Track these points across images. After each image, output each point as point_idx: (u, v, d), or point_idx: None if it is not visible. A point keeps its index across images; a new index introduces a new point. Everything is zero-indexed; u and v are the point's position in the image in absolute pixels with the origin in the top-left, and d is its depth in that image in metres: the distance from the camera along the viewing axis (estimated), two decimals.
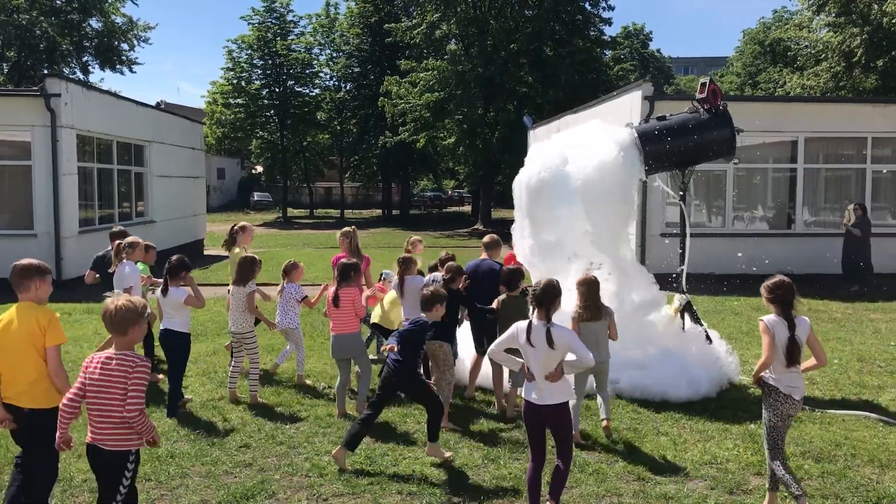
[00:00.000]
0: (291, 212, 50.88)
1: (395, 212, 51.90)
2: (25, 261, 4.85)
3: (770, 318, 5.12)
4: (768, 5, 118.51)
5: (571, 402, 5.65)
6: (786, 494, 5.58)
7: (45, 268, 4.85)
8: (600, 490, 5.67)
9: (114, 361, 4.23)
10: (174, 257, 7.73)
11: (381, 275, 9.59)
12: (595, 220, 8.53)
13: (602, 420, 6.76)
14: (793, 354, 5.01)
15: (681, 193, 9.43)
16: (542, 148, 9.39)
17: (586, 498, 5.56)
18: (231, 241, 9.41)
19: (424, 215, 53.64)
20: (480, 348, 7.80)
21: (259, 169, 64.18)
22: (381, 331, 8.89)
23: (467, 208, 56.12)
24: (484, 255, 8.33)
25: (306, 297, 8.60)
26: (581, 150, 8.80)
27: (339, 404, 7.45)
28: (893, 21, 25.84)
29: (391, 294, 8.61)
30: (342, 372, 7.58)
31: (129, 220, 19.88)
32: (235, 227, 9.45)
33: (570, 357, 5.08)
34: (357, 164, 51.11)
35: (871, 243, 15.21)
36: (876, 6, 27.54)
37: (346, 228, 9.38)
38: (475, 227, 37.84)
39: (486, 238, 8.49)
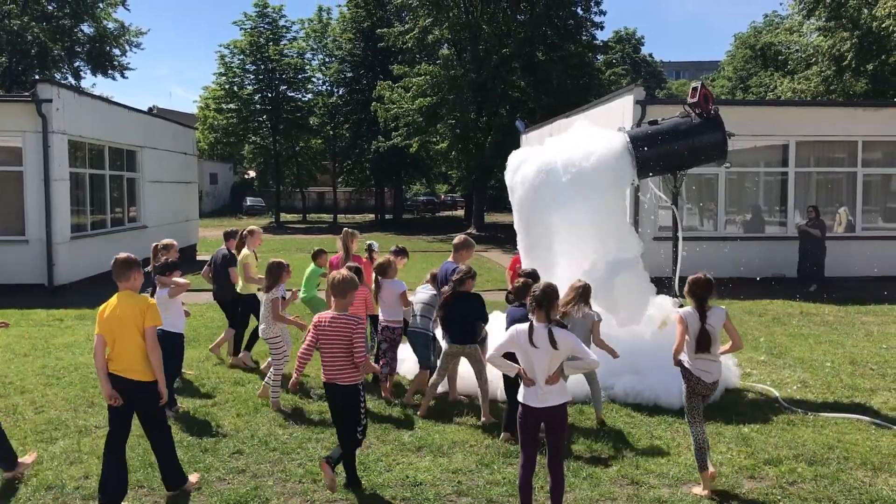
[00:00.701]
0: (284, 216, 50.79)
1: (388, 216, 51.89)
2: (125, 254, 5.59)
3: (685, 310, 5.83)
4: (759, 10, 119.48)
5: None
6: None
7: (139, 261, 5.66)
8: (594, 494, 5.67)
9: (339, 321, 5.69)
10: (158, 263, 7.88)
11: (367, 245, 9.71)
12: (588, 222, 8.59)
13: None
14: (702, 342, 5.67)
15: (673, 197, 9.46)
16: (534, 150, 9.42)
17: (580, 502, 5.56)
18: (240, 245, 9.77)
19: (417, 220, 53.62)
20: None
21: (252, 174, 64.09)
22: (370, 319, 8.93)
23: (460, 212, 56.09)
24: (451, 258, 8.29)
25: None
26: (573, 153, 8.85)
27: None
28: (883, 25, 26.00)
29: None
30: None
31: (122, 225, 19.83)
32: (244, 232, 9.81)
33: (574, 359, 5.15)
34: (350, 169, 51.10)
35: (865, 246, 15.32)
36: (866, 10, 27.73)
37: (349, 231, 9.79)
38: (468, 231, 37.82)
39: (456, 239, 8.46)
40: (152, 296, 7.68)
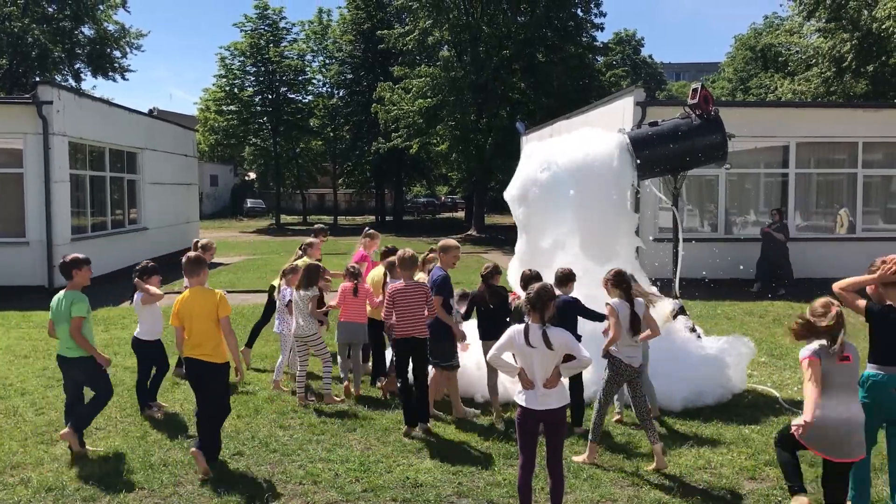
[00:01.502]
0: (285, 218, 50.77)
1: (388, 218, 51.90)
2: (194, 253, 6.61)
3: (614, 301, 6.36)
4: (759, 11, 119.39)
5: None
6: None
7: (206, 259, 6.67)
8: (595, 496, 5.67)
9: (410, 289, 7.13)
10: (139, 266, 7.86)
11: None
12: (588, 225, 8.52)
13: (616, 413, 7.48)
14: (635, 326, 6.30)
15: (673, 198, 9.46)
16: (535, 153, 9.38)
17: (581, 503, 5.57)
18: (300, 257, 9.88)
19: (418, 221, 53.62)
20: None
21: (252, 176, 64.13)
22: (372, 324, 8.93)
23: (460, 214, 56.11)
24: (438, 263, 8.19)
25: (290, 301, 8.55)
26: (574, 155, 8.81)
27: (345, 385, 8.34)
28: (883, 26, 26.01)
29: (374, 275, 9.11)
30: (342, 357, 8.48)
31: (122, 227, 19.85)
32: (303, 245, 10.07)
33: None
34: (350, 171, 51.15)
35: (861, 248, 15.32)
36: (866, 12, 27.73)
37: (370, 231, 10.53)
38: (468, 232, 37.82)
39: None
40: (132, 302, 7.83)
